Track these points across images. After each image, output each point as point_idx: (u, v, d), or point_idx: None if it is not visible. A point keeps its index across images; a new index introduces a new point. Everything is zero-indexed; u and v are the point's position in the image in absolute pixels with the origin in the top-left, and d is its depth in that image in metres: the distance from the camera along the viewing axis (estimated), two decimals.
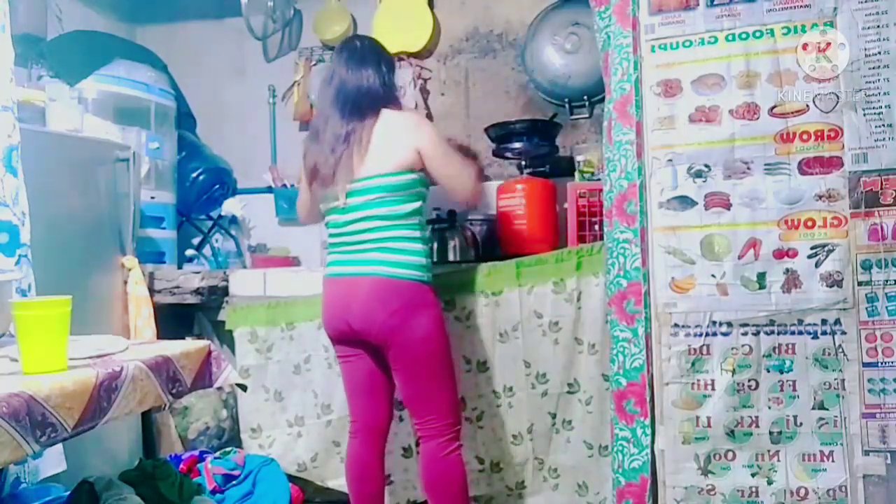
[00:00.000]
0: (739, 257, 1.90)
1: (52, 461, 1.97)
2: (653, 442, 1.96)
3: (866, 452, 1.82)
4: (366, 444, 2.17)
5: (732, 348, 1.90)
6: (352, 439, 2.19)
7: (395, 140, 2.05)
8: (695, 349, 1.92)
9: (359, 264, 2.05)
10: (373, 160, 2.04)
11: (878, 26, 1.80)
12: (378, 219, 2.04)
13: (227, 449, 2.54)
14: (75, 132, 2.36)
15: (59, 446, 1.95)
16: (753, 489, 1.89)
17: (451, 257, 2.58)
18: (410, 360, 2.04)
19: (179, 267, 2.99)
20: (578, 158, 2.77)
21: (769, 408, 1.87)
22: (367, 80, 2.11)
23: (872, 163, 1.81)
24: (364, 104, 2.08)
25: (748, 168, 1.90)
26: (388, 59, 2.21)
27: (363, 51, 2.17)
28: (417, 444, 2.47)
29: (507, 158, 2.84)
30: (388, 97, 2.15)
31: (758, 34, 1.89)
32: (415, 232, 2.08)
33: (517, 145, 2.69)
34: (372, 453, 2.17)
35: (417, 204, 2.09)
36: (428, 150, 2.07)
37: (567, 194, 2.53)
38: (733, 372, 1.89)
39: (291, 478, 2.54)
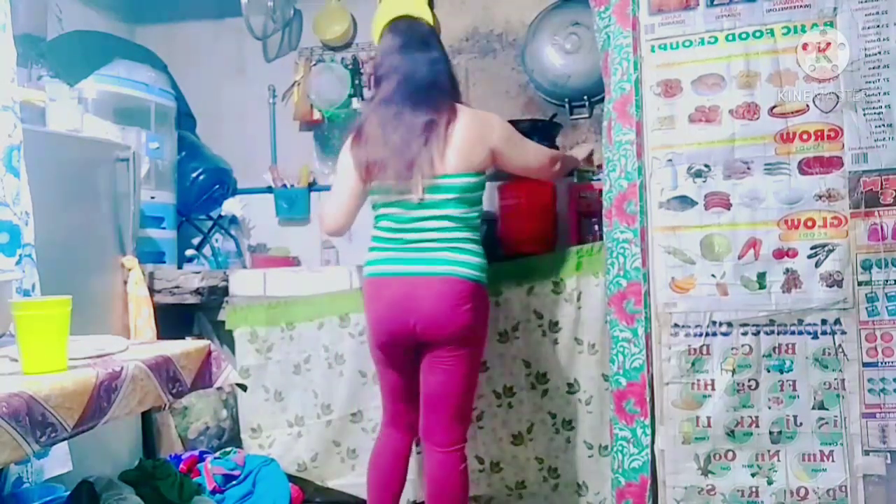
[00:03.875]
0: (739, 257, 1.90)
1: (58, 461, 1.96)
2: (653, 442, 1.96)
3: (866, 452, 1.82)
4: (401, 435, 2.12)
5: (732, 348, 1.90)
6: (386, 428, 2.14)
7: (472, 140, 1.99)
8: (695, 349, 1.92)
9: (428, 263, 1.97)
10: (453, 158, 1.96)
11: (878, 26, 1.80)
12: (450, 219, 1.98)
13: (227, 449, 2.53)
14: (75, 132, 2.36)
15: (66, 446, 1.95)
16: (753, 489, 1.89)
17: None
18: (462, 360, 2.00)
19: (179, 267, 2.99)
20: None
21: (769, 408, 1.87)
22: (438, 68, 2.02)
23: (872, 163, 1.81)
24: (437, 95, 2.00)
25: (748, 168, 1.90)
26: (444, 48, 2.12)
27: (428, 36, 2.06)
28: (417, 444, 2.47)
29: None
30: (455, 89, 2.08)
31: (758, 34, 1.89)
32: (477, 235, 2.05)
33: None
34: (407, 444, 2.13)
35: (480, 207, 2.07)
36: (501, 147, 2.03)
37: (567, 194, 2.53)
38: (733, 372, 1.89)
39: (291, 478, 2.54)
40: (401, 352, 2.05)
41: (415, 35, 2.05)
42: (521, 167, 2.13)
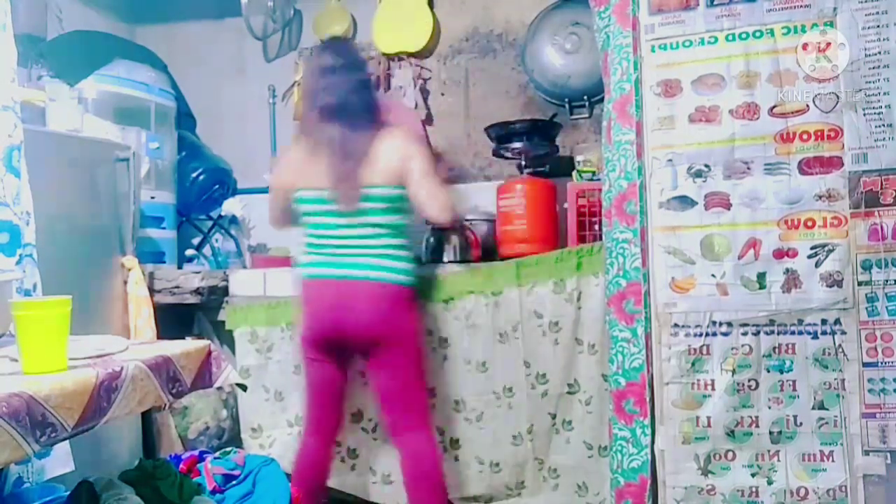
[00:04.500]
0: (739, 257, 1.90)
1: (60, 461, 1.96)
2: (653, 442, 1.96)
3: (866, 452, 1.82)
4: (322, 445, 2.27)
5: (732, 348, 1.90)
6: (308, 438, 2.28)
7: (393, 154, 2.11)
8: (695, 349, 1.92)
9: (357, 268, 2.12)
10: (378, 171, 2.09)
11: (878, 26, 1.80)
12: (378, 227, 2.12)
13: (227, 449, 2.52)
14: (75, 132, 2.36)
15: (67, 447, 1.95)
16: (753, 489, 1.89)
17: (451, 257, 2.58)
18: (401, 358, 2.15)
19: (179, 267, 2.98)
20: (578, 158, 2.78)
21: (769, 408, 1.87)
22: (365, 89, 2.18)
23: (872, 163, 1.81)
24: (364, 114, 2.14)
25: (748, 168, 1.90)
26: (368, 67, 2.30)
27: (357, 58, 2.22)
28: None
29: (507, 158, 2.84)
30: (378, 108, 2.22)
31: (758, 34, 1.89)
32: (405, 241, 2.18)
33: (517, 145, 2.68)
34: (327, 454, 2.29)
35: (409, 215, 2.18)
36: (414, 166, 2.10)
37: (567, 194, 2.53)
38: (733, 372, 1.89)
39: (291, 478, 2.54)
40: (335, 351, 2.19)
41: (346, 56, 2.19)
42: (417, 191, 2.11)
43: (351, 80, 2.14)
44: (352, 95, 2.13)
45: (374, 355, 2.16)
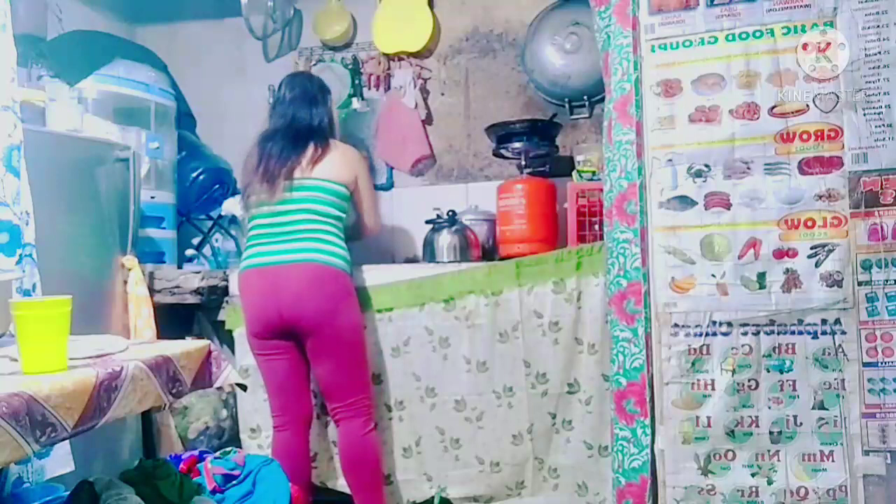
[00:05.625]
0: (739, 257, 1.90)
1: (60, 461, 1.96)
2: (653, 442, 1.96)
3: (866, 452, 1.82)
4: (297, 434, 2.35)
5: (732, 348, 1.90)
6: (280, 433, 2.35)
7: (341, 161, 2.32)
8: (695, 349, 1.92)
9: (292, 252, 2.23)
10: (320, 169, 2.28)
11: (878, 26, 1.80)
12: (314, 213, 2.26)
13: (227, 449, 2.52)
14: (75, 132, 2.36)
15: (67, 447, 1.95)
16: (753, 489, 1.89)
17: (451, 257, 2.58)
18: (338, 345, 2.22)
19: (179, 267, 2.98)
20: (578, 158, 2.78)
21: (769, 408, 1.88)
22: (320, 120, 2.36)
23: (872, 163, 1.81)
24: (315, 139, 2.31)
25: (748, 168, 1.90)
26: (330, 97, 2.46)
27: (316, 93, 2.40)
28: (418, 444, 2.47)
29: (507, 158, 2.85)
30: (332, 131, 2.41)
31: (758, 34, 1.89)
32: (342, 232, 2.32)
33: (517, 145, 2.69)
34: (304, 442, 2.36)
35: (345, 214, 2.35)
36: (362, 180, 2.38)
37: (567, 194, 2.53)
38: (733, 372, 1.89)
39: None
40: (277, 340, 2.27)
41: (306, 91, 2.39)
42: (362, 205, 2.41)
43: (305, 110, 2.34)
44: (303, 124, 2.33)
45: (311, 343, 2.24)
